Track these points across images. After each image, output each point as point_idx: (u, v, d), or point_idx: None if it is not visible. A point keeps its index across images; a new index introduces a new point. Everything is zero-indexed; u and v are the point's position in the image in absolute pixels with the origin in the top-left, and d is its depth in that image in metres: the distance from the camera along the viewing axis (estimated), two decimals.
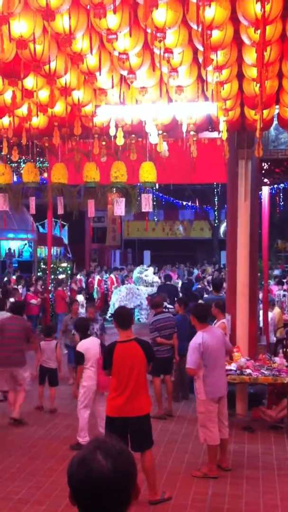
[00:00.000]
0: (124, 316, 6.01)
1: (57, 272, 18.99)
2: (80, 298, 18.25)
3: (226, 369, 7.41)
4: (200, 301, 11.89)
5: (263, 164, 9.44)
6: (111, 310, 18.09)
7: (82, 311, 17.90)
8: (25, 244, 22.29)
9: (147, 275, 20.33)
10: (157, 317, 9.42)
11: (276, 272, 23.53)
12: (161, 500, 5.92)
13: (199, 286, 18.69)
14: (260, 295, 11.38)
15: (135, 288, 19.79)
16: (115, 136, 8.07)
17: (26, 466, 7.02)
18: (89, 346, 7.64)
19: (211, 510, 5.88)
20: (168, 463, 7.05)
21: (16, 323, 8.90)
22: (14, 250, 22.33)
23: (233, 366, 8.24)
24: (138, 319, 19.03)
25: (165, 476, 6.65)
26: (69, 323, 11.01)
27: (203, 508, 5.92)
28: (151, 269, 21.28)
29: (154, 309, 9.81)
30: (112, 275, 22.29)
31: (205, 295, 13.56)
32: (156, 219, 33.37)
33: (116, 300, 18.96)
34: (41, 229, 23.17)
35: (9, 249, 22.91)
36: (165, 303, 11.31)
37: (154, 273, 22.18)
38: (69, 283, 19.20)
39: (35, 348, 9.61)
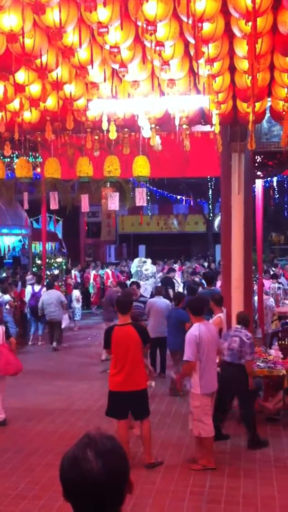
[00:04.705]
0: (124, 304, 6.85)
1: (52, 267, 18.92)
2: (76, 293, 18.22)
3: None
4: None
5: (256, 157, 9.41)
6: None
7: (77, 306, 17.95)
8: (20, 240, 22.15)
9: (147, 269, 20.23)
10: None
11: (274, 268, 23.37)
12: (155, 464, 6.71)
13: (196, 279, 18.63)
14: (255, 288, 11.39)
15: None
16: (107, 130, 8.04)
17: (23, 462, 7.03)
18: None
19: (208, 502, 5.91)
20: (166, 456, 7.06)
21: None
22: (8, 246, 22.19)
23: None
24: None
25: (163, 469, 6.67)
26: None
27: (201, 500, 5.95)
28: (149, 261, 21.09)
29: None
30: (108, 270, 22.26)
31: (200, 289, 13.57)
32: (150, 213, 33.27)
33: None
34: (35, 225, 23.03)
35: (15, 247, 22.76)
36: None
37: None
38: (63, 278, 19.13)
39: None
